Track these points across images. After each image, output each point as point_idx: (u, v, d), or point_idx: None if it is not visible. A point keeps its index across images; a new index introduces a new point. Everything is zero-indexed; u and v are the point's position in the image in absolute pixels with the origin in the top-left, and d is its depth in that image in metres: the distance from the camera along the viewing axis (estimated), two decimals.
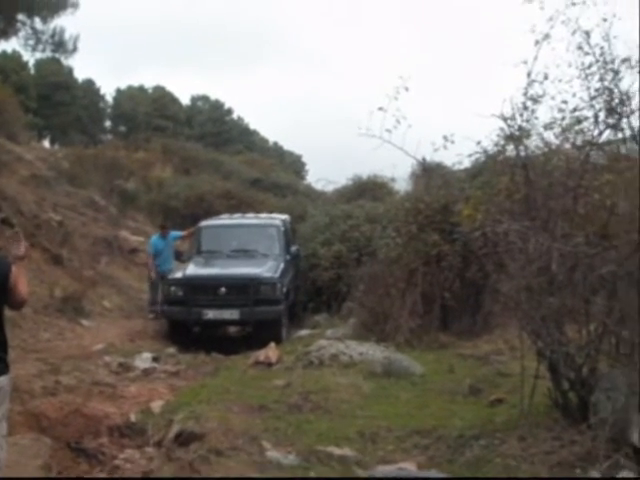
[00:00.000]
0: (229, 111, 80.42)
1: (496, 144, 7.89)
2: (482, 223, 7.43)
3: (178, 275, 15.05)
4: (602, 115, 7.30)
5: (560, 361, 7.00)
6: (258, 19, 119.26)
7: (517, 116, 7.37)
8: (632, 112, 7.07)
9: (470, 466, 6.81)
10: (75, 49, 23.52)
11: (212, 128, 74.31)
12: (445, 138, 9.02)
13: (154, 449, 8.18)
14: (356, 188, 26.48)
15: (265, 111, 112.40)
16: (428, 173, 16.72)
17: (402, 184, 23.00)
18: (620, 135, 7.27)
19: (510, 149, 7.62)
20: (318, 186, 31.19)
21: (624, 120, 7.13)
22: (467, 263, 12.61)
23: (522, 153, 7.34)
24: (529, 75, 7.34)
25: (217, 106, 79.38)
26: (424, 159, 9.57)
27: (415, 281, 12.85)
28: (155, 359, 12.60)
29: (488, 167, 12.53)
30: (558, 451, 6.52)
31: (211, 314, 14.30)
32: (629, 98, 7.04)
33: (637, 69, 6.95)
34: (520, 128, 7.52)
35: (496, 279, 8.48)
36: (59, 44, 22.94)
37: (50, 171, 25.18)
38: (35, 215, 18.25)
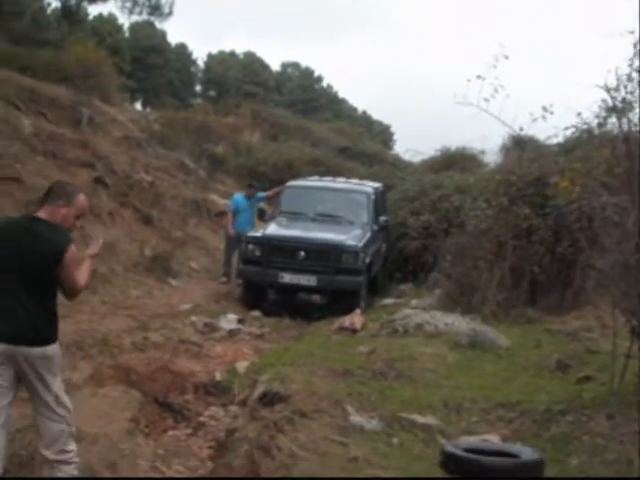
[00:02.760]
0: (319, 79, 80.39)
1: (597, 116, 7.67)
2: (579, 196, 7.25)
3: (257, 234, 14.61)
4: None
5: None
6: None
7: (621, 87, 7.13)
8: None
9: (556, 442, 6.71)
10: (171, 13, 23.74)
11: (301, 95, 74.40)
12: (544, 109, 8.79)
13: (238, 408, 8.28)
14: (444, 159, 26.25)
15: (354, 80, 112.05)
16: (520, 146, 16.47)
17: (491, 157, 22.76)
18: None
19: (612, 122, 7.41)
20: (406, 156, 31.01)
21: None
22: (558, 237, 12.41)
23: (625, 126, 7.11)
24: (635, 46, 7.10)
25: (307, 73, 79.40)
26: (521, 129, 9.36)
27: (504, 254, 12.67)
28: (240, 321, 12.72)
29: (584, 141, 12.30)
30: None
31: (287, 278, 13.88)
32: None
33: None
34: (624, 100, 7.29)
35: (589, 255, 8.28)
36: (155, 7, 23.15)
37: (142, 133, 25.51)
38: (127, 175, 18.54)
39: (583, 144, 12.32)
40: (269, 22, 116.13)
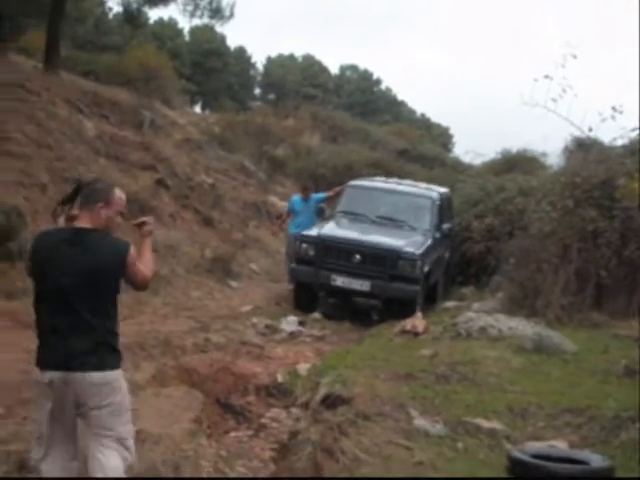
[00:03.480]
0: (377, 81, 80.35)
1: None
2: None
3: (312, 233, 14.07)
4: None
5: None
6: None
7: None
8: None
9: (626, 449, 6.55)
10: (232, 15, 23.82)
11: (360, 98, 74.44)
12: (614, 109, 8.59)
13: (300, 410, 8.23)
14: (505, 162, 26.10)
15: (413, 82, 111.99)
16: (584, 148, 16.22)
17: (553, 159, 22.51)
18: None
19: None
20: (466, 159, 30.80)
21: None
22: (626, 241, 12.17)
23: None
24: None
25: (366, 76, 79.41)
26: (590, 129, 9.17)
27: (569, 257, 12.45)
28: (301, 323, 12.69)
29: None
30: None
31: (340, 281, 13.36)
32: None
33: None
34: None
35: None
36: (216, 10, 23.26)
37: (202, 135, 25.73)
38: (188, 177, 18.71)
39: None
40: (328, 25, 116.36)
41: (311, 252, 13.69)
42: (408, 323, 11.49)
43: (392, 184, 16.72)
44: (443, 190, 16.90)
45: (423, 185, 17.28)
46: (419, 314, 12.07)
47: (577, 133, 14.26)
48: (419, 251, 13.64)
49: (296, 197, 16.77)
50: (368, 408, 7.22)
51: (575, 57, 8.54)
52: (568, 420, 7.38)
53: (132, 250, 4.76)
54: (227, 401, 8.46)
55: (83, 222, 4.70)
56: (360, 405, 7.29)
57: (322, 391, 7.97)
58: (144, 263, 4.90)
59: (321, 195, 16.58)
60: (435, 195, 15.85)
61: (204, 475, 6.29)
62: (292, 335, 11.96)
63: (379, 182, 16.91)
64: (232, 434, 7.80)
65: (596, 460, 5.88)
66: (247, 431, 7.94)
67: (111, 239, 4.76)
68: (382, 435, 6.67)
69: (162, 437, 6.50)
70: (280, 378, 9.20)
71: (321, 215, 15.67)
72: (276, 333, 11.99)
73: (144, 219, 5.25)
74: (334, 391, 7.82)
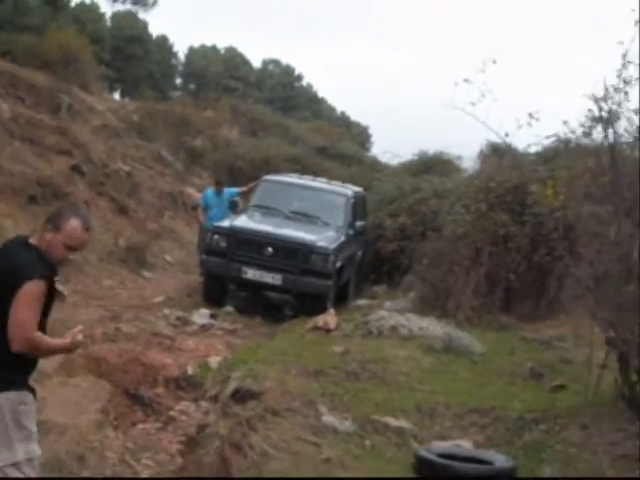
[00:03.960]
0: (299, 77, 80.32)
1: (582, 125, 7.65)
2: (563, 205, 7.24)
3: (224, 224, 13.83)
4: None
5: (631, 352, 6.81)
6: None
7: (608, 98, 7.11)
8: None
9: (529, 450, 6.72)
10: (155, 3, 23.56)
11: (281, 93, 74.30)
12: (530, 115, 8.75)
13: (210, 403, 8.19)
14: (422, 163, 26.34)
15: (335, 79, 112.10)
16: (499, 153, 16.51)
17: (468, 163, 22.85)
18: None
19: (597, 131, 7.39)
20: (384, 159, 31.05)
21: None
22: (535, 246, 12.44)
23: (610, 136, 7.10)
24: (624, 56, 7.09)
25: (288, 71, 79.31)
26: (507, 134, 9.34)
27: (480, 260, 12.67)
28: (213, 316, 12.60)
29: (562, 150, 12.34)
30: (622, 443, 6.39)
31: (251, 274, 13.16)
32: None
33: None
34: (610, 111, 7.27)
35: (568, 264, 8.26)
36: None
37: (120, 123, 25.36)
38: (105, 164, 18.42)
39: (562, 153, 12.38)
40: (252, 18, 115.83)
41: (222, 244, 13.46)
42: (320, 319, 11.52)
43: (307, 180, 16.73)
44: (358, 189, 17.00)
45: (336, 183, 17.35)
46: (331, 311, 12.11)
47: (494, 138, 14.50)
48: (332, 246, 13.64)
49: (209, 191, 16.57)
50: (278, 403, 7.24)
51: (495, 62, 8.65)
52: (474, 420, 7.52)
53: (32, 288, 4.21)
54: (136, 392, 8.35)
55: (33, 239, 4.45)
56: (270, 400, 7.30)
57: (232, 385, 7.95)
58: (30, 325, 4.25)
59: (235, 190, 16.40)
60: (349, 193, 15.93)
61: (109, 466, 6.22)
62: (204, 328, 11.88)
63: (293, 177, 16.93)
64: (140, 426, 7.70)
65: (500, 460, 6.02)
66: (155, 423, 7.85)
67: (30, 256, 4.32)
68: (291, 431, 6.68)
69: (68, 427, 6.41)
70: (190, 371, 9.13)
71: (234, 209, 15.35)
72: (188, 325, 11.89)
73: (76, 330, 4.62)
74: (244, 385, 7.81)
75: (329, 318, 11.56)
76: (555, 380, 8.68)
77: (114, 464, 6.30)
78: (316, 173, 22.51)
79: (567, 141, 12.30)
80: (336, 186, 16.65)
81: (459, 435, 7.11)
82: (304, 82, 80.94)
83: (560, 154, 12.97)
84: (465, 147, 22.32)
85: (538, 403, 7.81)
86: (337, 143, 39.31)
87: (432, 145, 26.96)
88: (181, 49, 74.79)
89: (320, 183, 16.70)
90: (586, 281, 7.33)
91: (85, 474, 5.98)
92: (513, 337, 11.13)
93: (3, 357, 4.23)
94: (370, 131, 74.82)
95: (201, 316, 12.41)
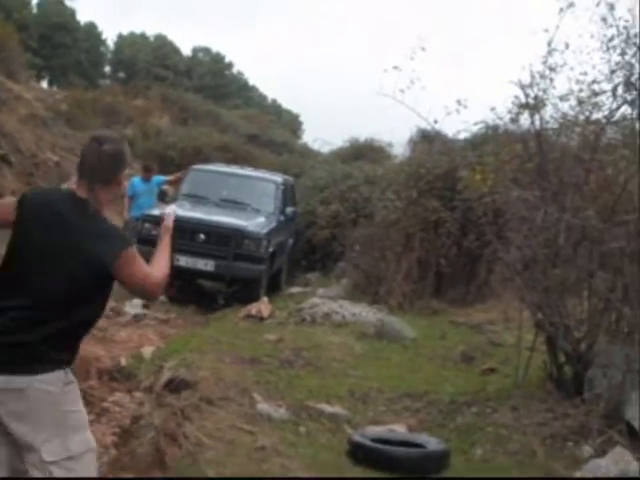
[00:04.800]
0: (229, 65, 79.98)
1: (509, 111, 7.78)
2: (492, 190, 7.36)
3: (155, 212, 13.22)
4: (620, 90, 7.23)
5: (559, 334, 6.97)
6: None
7: (534, 84, 7.25)
8: None
9: (461, 432, 6.81)
10: None
11: (211, 81, 73.86)
12: (459, 102, 8.86)
13: (144, 394, 8.12)
14: (353, 150, 26.51)
15: (265, 67, 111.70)
16: (428, 140, 16.68)
17: (398, 149, 23.05)
18: (637, 112, 7.20)
19: (524, 117, 7.52)
20: (315, 146, 31.20)
21: None
22: (465, 231, 12.63)
23: (537, 122, 7.23)
24: (550, 44, 7.23)
25: (218, 59, 78.88)
26: (436, 121, 9.46)
27: (412, 246, 12.82)
28: (145, 306, 12.47)
29: (490, 137, 12.54)
30: (551, 423, 6.53)
31: (183, 261, 12.87)
32: None
33: None
34: (536, 97, 7.41)
35: (496, 249, 8.41)
36: None
37: (48, 112, 24.88)
38: (33, 154, 18.07)
39: (490, 140, 12.56)
40: (181, 5, 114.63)
41: (153, 232, 12.72)
42: (253, 307, 11.54)
43: (235, 168, 16.88)
44: (286, 177, 17.11)
45: (264, 171, 17.50)
46: (265, 299, 12.13)
47: (423, 125, 14.64)
48: (264, 231, 13.65)
49: (136, 179, 16.09)
50: (212, 392, 7.21)
51: (424, 49, 8.75)
52: (407, 404, 7.60)
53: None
54: None
55: None
56: (204, 389, 7.27)
57: (166, 375, 7.88)
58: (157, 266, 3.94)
59: (162, 177, 16.08)
60: (279, 180, 16.07)
61: None
62: (136, 318, 11.76)
63: (221, 166, 17.02)
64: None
65: (432, 443, 6.12)
66: (88, 415, 7.76)
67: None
68: (226, 419, 6.68)
69: None
70: (124, 362, 9.01)
71: (163, 198, 14.95)
72: (120, 316, 11.75)
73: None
74: (178, 375, 7.74)
75: (262, 306, 11.58)
76: (485, 363, 8.83)
77: None
78: (247, 161, 22.56)
79: (495, 127, 12.56)
80: (264, 173, 16.80)
81: (392, 420, 7.18)
82: (234, 70, 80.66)
83: (488, 140, 13.16)
84: (395, 134, 22.53)
85: (469, 386, 7.93)
86: (268, 131, 39.34)
87: (363, 133, 27.15)
88: (110, 37, 73.86)
89: (248, 171, 16.84)
90: (515, 265, 7.48)
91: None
92: (444, 322, 11.29)
93: (54, 337, 3.61)
94: (301, 119, 74.96)
95: (133, 306, 12.26)
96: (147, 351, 9.47)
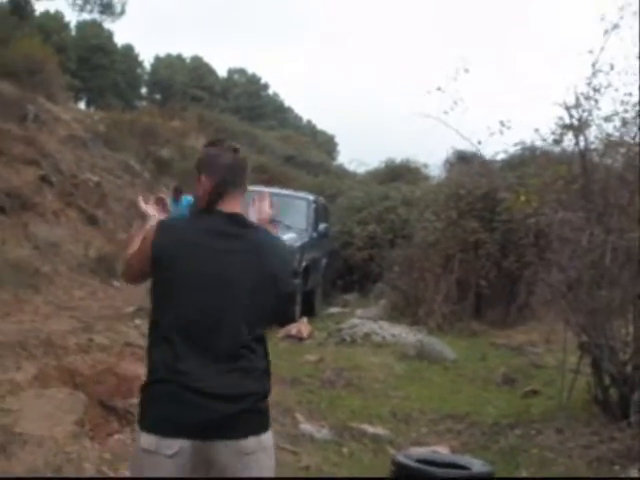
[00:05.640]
0: (265, 86, 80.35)
1: (552, 132, 7.76)
2: (537, 211, 7.33)
3: None
4: None
5: (604, 356, 6.91)
6: None
7: (579, 106, 7.23)
8: None
9: (505, 454, 6.75)
10: (123, 12, 23.40)
11: (247, 102, 74.25)
12: (502, 123, 8.88)
13: None
14: (389, 171, 26.44)
15: (300, 89, 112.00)
16: (465, 161, 16.66)
17: (434, 171, 23.01)
18: None
19: (568, 139, 7.50)
20: (351, 167, 31.21)
21: None
22: (505, 252, 12.57)
23: (582, 143, 7.21)
24: (594, 65, 7.21)
25: (253, 80, 79.32)
26: (480, 142, 9.47)
27: (451, 267, 12.79)
28: None
29: (528, 158, 12.53)
30: (597, 446, 6.46)
31: None
32: None
33: None
34: (580, 118, 7.39)
35: (538, 270, 8.38)
36: (107, 6, 22.82)
37: (87, 133, 25.18)
38: (73, 175, 18.27)
39: (528, 161, 12.55)
40: (217, 27, 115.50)
41: None
42: (293, 328, 11.54)
43: (264, 188, 16.72)
44: (318, 197, 17.00)
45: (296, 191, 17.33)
46: (304, 319, 12.14)
47: (464, 146, 14.66)
48: (297, 244, 13.42)
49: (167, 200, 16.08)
50: None
51: (467, 71, 8.78)
52: (450, 426, 7.58)
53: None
54: (110, 403, 8.30)
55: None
56: None
57: None
58: None
59: (191, 197, 15.81)
60: (310, 197, 16.01)
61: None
62: None
63: (256, 186, 16.87)
64: (116, 436, 7.65)
65: (477, 465, 6.06)
66: (131, 434, 7.81)
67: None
68: None
69: (44, 439, 6.35)
70: None
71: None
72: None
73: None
74: None
75: (302, 326, 11.60)
76: (527, 385, 8.77)
77: (91, 474, 6.26)
78: (284, 182, 22.58)
79: (533, 149, 12.55)
80: (295, 192, 16.70)
81: (435, 441, 7.15)
82: (270, 91, 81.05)
83: (526, 161, 13.15)
84: (432, 156, 22.51)
85: (512, 408, 7.89)
86: (304, 152, 39.46)
87: (399, 154, 27.13)
88: (147, 58, 74.54)
89: (280, 190, 16.55)
90: (558, 287, 7.44)
91: None
92: (484, 343, 11.24)
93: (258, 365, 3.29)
94: (336, 140, 75.09)
95: None
96: None
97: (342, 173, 33.32)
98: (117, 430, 7.86)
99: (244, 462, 3.04)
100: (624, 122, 7.35)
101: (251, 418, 3.10)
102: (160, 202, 3.79)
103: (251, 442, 3.06)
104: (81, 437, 6.95)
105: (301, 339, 11.29)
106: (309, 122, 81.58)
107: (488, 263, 12.59)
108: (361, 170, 28.50)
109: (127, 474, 6.66)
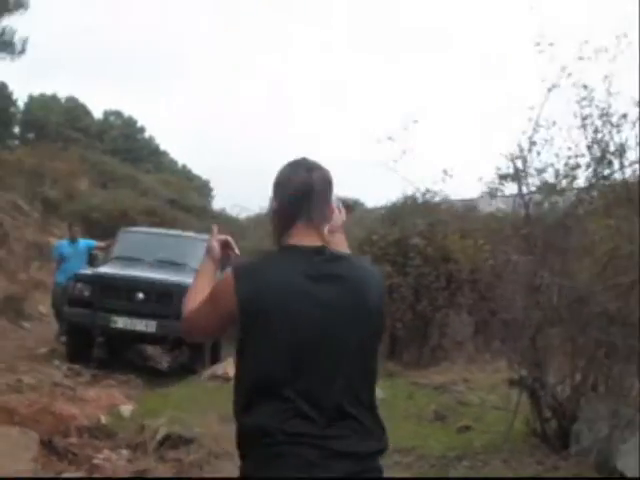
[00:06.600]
0: (141, 129, 79.85)
1: (492, 182, 8.25)
2: (490, 256, 7.79)
3: (87, 271, 12.90)
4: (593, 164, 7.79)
5: (547, 391, 7.40)
6: (179, 38, 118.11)
7: (521, 157, 7.76)
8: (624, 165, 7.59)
9: None
10: (23, 51, 22.93)
11: (123, 144, 73.51)
12: (445, 172, 9.43)
13: (130, 452, 8.21)
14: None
15: (176, 133, 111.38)
16: (349, 209, 17.28)
17: None
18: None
19: (510, 187, 8.01)
20: (233, 212, 31.40)
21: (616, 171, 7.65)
22: (418, 297, 13.03)
23: (524, 191, 7.74)
24: (535, 121, 7.76)
25: (130, 123, 78.70)
26: (427, 190, 9.97)
27: None
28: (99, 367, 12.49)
29: (407, 207, 13.25)
30: (543, 475, 6.90)
31: (121, 322, 12.24)
32: (624, 151, 7.54)
33: (637, 124, 7.41)
34: (517, 169, 7.92)
35: (448, 313, 8.85)
36: (7, 44, 22.48)
37: None
38: None
39: (408, 209, 13.24)
40: (94, 68, 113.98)
41: (86, 292, 12.56)
42: (219, 368, 11.69)
43: (165, 230, 16.67)
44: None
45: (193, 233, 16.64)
46: (230, 359, 12.22)
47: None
48: None
49: (62, 241, 15.68)
50: (216, 448, 7.37)
51: (416, 122, 9.27)
52: (397, 459, 7.86)
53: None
54: (51, 442, 8.29)
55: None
56: (207, 445, 7.44)
57: (162, 431, 7.99)
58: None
59: (91, 242, 15.26)
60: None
61: None
62: (96, 378, 11.78)
63: (152, 229, 16.74)
64: (65, 474, 7.67)
65: None
66: (78, 472, 7.83)
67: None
68: (236, 473, 6.84)
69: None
70: (104, 420, 9.11)
71: (93, 262, 14.06)
72: (80, 376, 11.78)
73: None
74: (174, 432, 7.88)
75: (228, 367, 11.71)
76: (459, 421, 9.14)
77: None
78: (173, 225, 22.66)
79: (414, 198, 13.36)
80: (198, 234, 15.84)
81: (387, 474, 7.42)
82: (146, 134, 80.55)
83: (406, 210, 13.91)
84: None
85: (453, 442, 8.24)
86: (185, 195, 39.51)
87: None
88: (21, 97, 72.97)
89: (180, 232, 16.49)
90: (468, 328, 7.95)
91: None
92: (406, 383, 11.57)
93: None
94: (211, 185, 75.10)
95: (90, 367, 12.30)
96: (126, 409, 9.58)
97: (227, 218, 33.49)
98: (64, 469, 7.87)
99: None
100: (557, 174, 7.90)
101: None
102: (225, 245, 3.36)
103: None
104: (40, 475, 6.97)
105: (227, 379, 11.40)
106: (184, 167, 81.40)
107: (403, 306, 13.00)
108: (242, 215, 28.81)
109: None
